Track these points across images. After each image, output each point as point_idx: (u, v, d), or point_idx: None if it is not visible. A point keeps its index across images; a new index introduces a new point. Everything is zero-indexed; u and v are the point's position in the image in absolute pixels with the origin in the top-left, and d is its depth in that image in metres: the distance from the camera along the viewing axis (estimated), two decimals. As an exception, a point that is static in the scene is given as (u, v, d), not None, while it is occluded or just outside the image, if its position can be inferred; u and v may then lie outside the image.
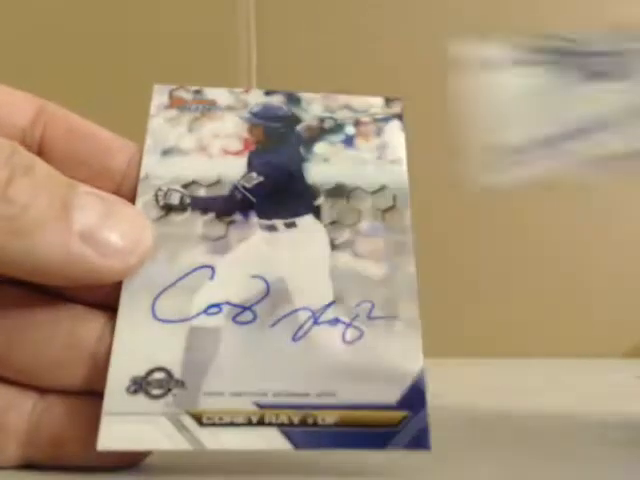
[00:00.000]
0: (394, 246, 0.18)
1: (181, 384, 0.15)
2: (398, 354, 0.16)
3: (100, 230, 0.15)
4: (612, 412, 0.27)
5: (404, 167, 0.19)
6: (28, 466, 0.16)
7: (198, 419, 0.15)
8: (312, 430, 0.15)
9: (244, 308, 0.16)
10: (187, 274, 0.17)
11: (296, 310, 0.16)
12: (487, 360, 0.44)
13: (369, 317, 0.17)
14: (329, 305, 0.17)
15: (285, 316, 0.16)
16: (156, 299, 0.16)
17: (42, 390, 0.16)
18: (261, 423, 0.15)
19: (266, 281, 0.17)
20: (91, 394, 0.16)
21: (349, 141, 0.19)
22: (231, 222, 0.18)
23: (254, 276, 0.17)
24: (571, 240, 0.49)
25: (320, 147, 0.19)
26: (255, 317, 0.16)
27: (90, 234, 0.15)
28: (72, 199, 0.15)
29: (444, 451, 0.16)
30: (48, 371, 0.16)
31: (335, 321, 0.16)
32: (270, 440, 0.15)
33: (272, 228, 0.18)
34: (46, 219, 0.15)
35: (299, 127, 0.19)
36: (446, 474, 0.17)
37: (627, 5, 0.41)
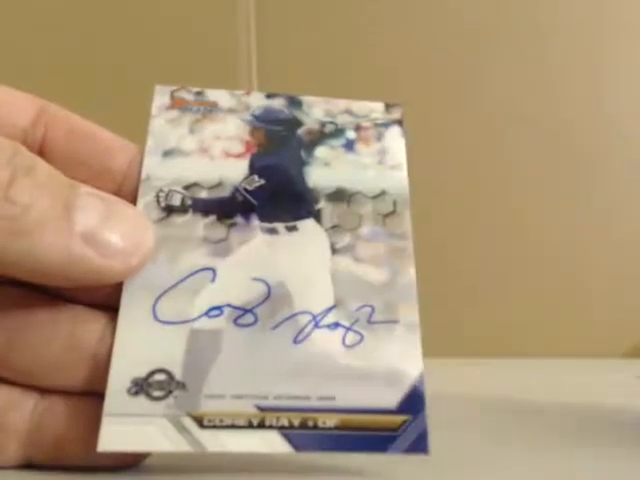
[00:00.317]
0: (394, 251, 0.18)
1: (182, 386, 0.15)
2: (398, 358, 0.16)
3: (101, 231, 0.15)
4: (612, 412, 0.27)
5: (404, 172, 0.19)
6: (28, 466, 0.16)
7: (199, 421, 0.15)
8: (312, 433, 0.15)
9: (245, 311, 0.16)
10: (188, 276, 0.17)
11: (297, 313, 0.16)
12: (487, 360, 0.44)
13: (369, 321, 0.17)
14: (330, 309, 0.17)
15: (286, 319, 0.16)
16: (157, 300, 0.16)
17: (43, 390, 0.16)
18: (262, 426, 0.15)
19: (267, 284, 0.17)
20: (92, 394, 0.16)
21: (350, 145, 0.19)
22: (232, 225, 0.18)
23: (255, 279, 0.17)
24: (571, 240, 0.49)
25: (321, 151, 0.19)
26: (256, 320, 0.16)
27: (91, 235, 0.15)
28: (73, 200, 0.15)
29: (443, 452, 0.16)
30: (49, 372, 0.16)
31: (335, 325, 0.16)
32: (271, 443, 0.15)
33: (273, 231, 0.18)
34: (47, 220, 0.15)
35: (300, 130, 0.19)
36: (445, 475, 0.17)
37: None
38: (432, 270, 0.45)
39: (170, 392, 0.15)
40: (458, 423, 0.24)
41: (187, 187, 0.18)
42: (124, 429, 0.15)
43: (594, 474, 0.18)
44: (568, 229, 0.49)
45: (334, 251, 0.17)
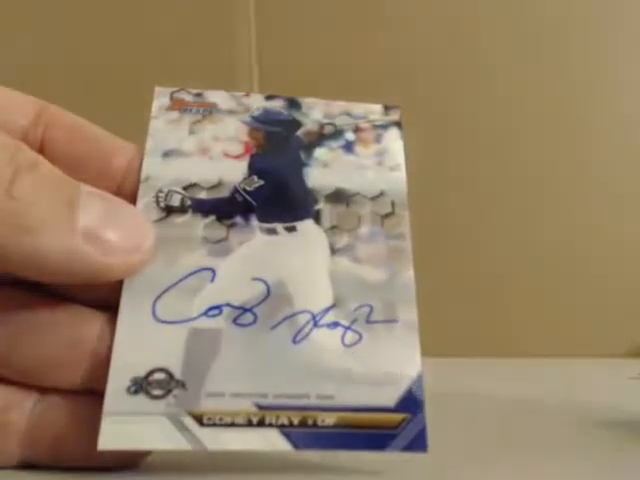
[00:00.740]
0: (393, 252, 0.18)
1: (182, 385, 0.15)
2: (396, 357, 0.16)
3: (102, 230, 0.15)
4: (612, 412, 0.27)
5: (403, 174, 0.19)
6: (28, 466, 0.16)
7: (199, 419, 0.15)
8: (312, 431, 0.15)
9: (244, 310, 0.16)
10: (188, 276, 0.17)
11: (296, 313, 0.17)
12: (487, 360, 0.44)
13: (368, 321, 0.17)
14: (329, 309, 0.17)
15: (285, 319, 0.16)
16: (157, 300, 0.16)
17: (43, 390, 0.16)
18: (261, 424, 0.15)
19: (267, 284, 0.17)
20: (92, 393, 0.16)
21: (349, 147, 0.19)
22: (232, 225, 0.18)
23: (255, 278, 0.17)
24: (571, 240, 0.49)
25: (320, 152, 0.19)
26: (255, 319, 0.16)
27: (93, 233, 0.15)
28: (76, 198, 0.15)
29: (442, 453, 0.16)
30: (49, 370, 0.16)
31: (334, 325, 0.16)
32: (270, 441, 0.15)
33: (272, 231, 0.18)
34: (50, 217, 0.15)
35: (299, 132, 0.19)
36: (445, 475, 0.17)
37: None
38: (433, 268, 0.44)
39: (170, 391, 0.15)
40: (458, 423, 0.24)
41: (186, 187, 0.18)
42: (124, 428, 0.15)
43: (594, 474, 0.18)
44: (568, 229, 0.49)
45: (333, 251, 0.18)
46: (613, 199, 0.49)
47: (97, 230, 0.15)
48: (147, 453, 0.17)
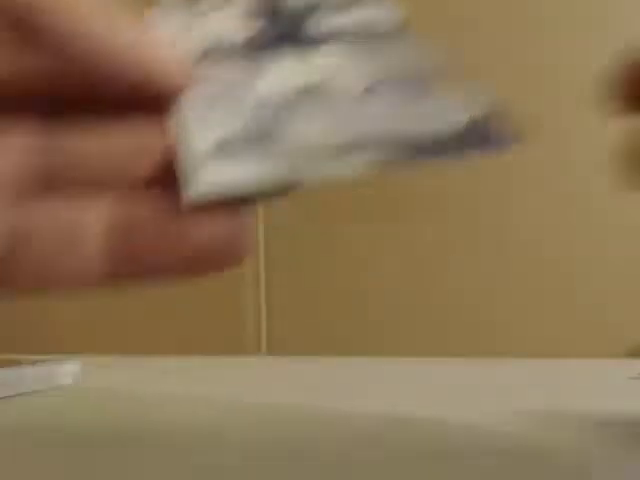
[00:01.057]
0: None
1: (259, 141, 0.16)
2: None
3: (155, 42, 0.15)
4: (611, 412, 0.27)
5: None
6: (29, 464, 0.16)
7: (286, 155, 0.15)
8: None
9: (299, 91, 0.17)
10: (233, 91, 0.17)
11: (342, 89, 0.17)
12: (488, 360, 0.44)
13: (412, 90, 0.17)
14: (369, 84, 0.17)
15: (337, 92, 0.17)
16: (208, 108, 0.17)
17: (118, 194, 0.16)
18: (349, 156, 0.15)
19: (308, 80, 0.17)
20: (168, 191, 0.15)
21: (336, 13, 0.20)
22: (261, 55, 0.18)
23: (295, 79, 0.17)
24: (571, 240, 0.49)
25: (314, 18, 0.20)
26: (315, 95, 0.17)
27: (141, 36, 0.15)
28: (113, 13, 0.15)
29: (446, 455, 0.16)
30: (120, 171, 0.15)
31: (381, 90, 0.17)
32: (361, 167, 0.15)
33: (301, 52, 0.19)
34: (94, 13, 0.14)
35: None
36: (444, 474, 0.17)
37: None
38: (432, 268, 0.44)
39: (250, 149, 0.15)
40: (457, 423, 0.24)
41: (209, 46, 0.18)
42: (211, 177, 0.15)
43: (594, 474, 0.18)
44: (568, 229, 0.49)
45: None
46: (614, 199, 0.49)
47: (150, 40, 0.15)
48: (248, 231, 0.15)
